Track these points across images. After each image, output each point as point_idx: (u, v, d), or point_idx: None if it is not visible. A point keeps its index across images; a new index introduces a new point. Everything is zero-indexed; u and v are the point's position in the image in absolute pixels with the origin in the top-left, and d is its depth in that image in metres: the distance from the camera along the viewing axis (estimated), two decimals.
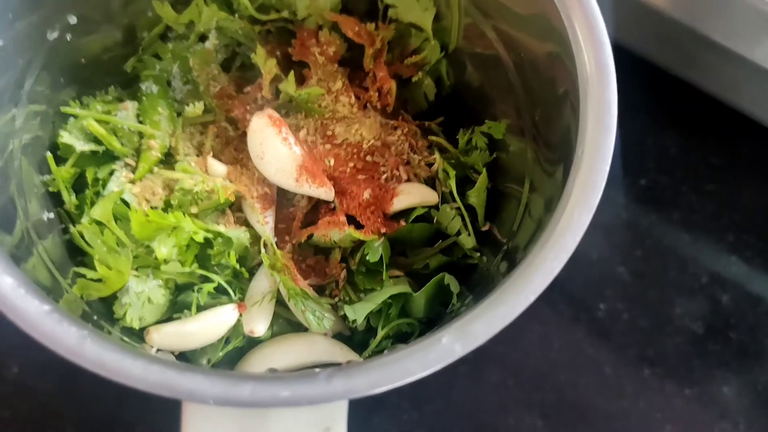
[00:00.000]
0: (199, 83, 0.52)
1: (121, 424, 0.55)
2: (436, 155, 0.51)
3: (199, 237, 0.45)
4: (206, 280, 0.46)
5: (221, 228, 0.46)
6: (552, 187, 0.41)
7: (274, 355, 0.46)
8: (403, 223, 0.49)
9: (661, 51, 0.65)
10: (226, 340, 0.47)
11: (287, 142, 0.47)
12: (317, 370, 0.34)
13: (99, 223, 0.45)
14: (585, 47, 0.39)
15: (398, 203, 0.49)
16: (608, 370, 0.59)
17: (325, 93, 0.51)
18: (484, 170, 0.50)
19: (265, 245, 0.47)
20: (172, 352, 0.46)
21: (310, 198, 0.49)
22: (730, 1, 0.56)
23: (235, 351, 0.47)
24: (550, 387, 0.58)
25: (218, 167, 0.48)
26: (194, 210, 0.47)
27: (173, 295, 0.47)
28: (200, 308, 0.46)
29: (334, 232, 0.47)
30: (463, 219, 0.49)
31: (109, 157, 0.49)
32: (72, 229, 0.47)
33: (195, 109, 0.50)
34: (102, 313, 0.45)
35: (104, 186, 0.48)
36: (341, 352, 0.46)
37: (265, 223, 0.48)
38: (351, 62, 0.54)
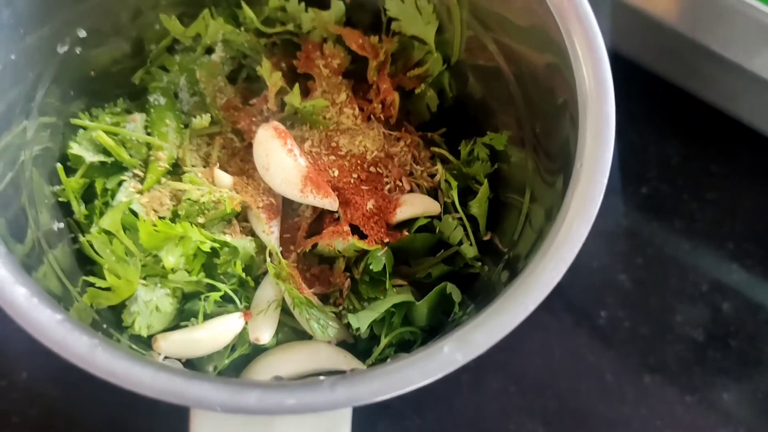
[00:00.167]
0: (205, 95, 0.53)
1: (129, 430, 0.55)
2: (439, 166, 0.52)
3: (206, 246, 0.46)
4: (213, 288, 0.47)
5: (227, 238, 0.47)
6: (552, 196, 0.42)
7: (279, 363, 0.47)
8: (405, 233, 0.49)
9: (662, 61, 0.66)
10: (232, 347, 0.47)
11: (292, 154, 0.48)
12: (321, 378, 0.34)
13: (108, 233, 0.46)
14: (584, 62, 0.40)
15: (401, 213, 0.49)
16: (609, 377, 0.59)
17: (329, 105, 0.52)
18: (486, 181, 0.50)
19: (271, 254, 0.48)
20: (180, 360, 0.46)
21: (314, 208, 0.50)
22: (729, 11, 0.56)
23: (240, 358, 0.47)
24: (551, 394, 0.58)
25: (224, 178, 0.49)
26: (201, 220, 0.47)
27: (180, 304, 0.47)
28: (207, 316, 0.46)
29: (338, 241, 0.47)
30: (465, 229, 0.49)
31: (117, 168, 0.50)
32: (81, 238, 0.48)
33: (202, 120, 0.51)
34: (111, 321, 0.46)
35: (113, 196, 0.49)
36: (345, 360, 0.47)
37: (270, 232, 0.48)
38: (355, 74, 0.54)
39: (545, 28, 0.42)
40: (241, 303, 0.47)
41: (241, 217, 0.49)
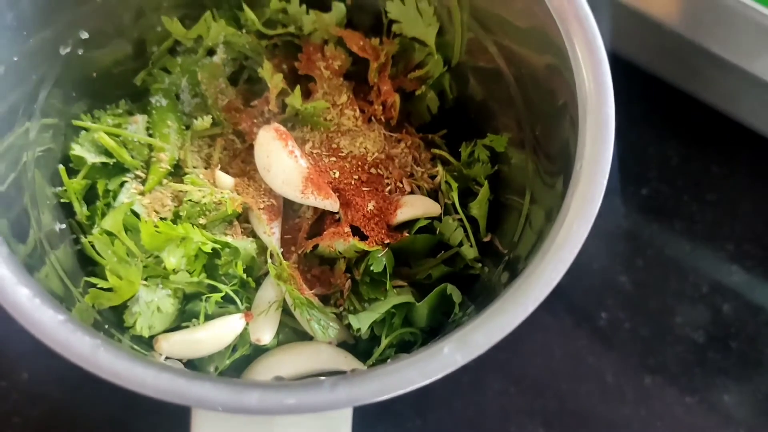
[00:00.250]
0: (207, 97, 0.53)
1: (130, 430, 0.55)
2: (439, 168, 0.52)
3: (207, 247, 0.46)
4: (214, 289, 0.47)
5: (229, 239, 0.47)
6: (552, 198, 0.42)
7: (280, 363, 0.47)
8: (406, 234, 0.49)
9: (662, 62, 0.66)
10: (233, 348, 0.47)
11: (293, 155, 0.48)
12: (322, 378, 0.35)
13: (110, 234, 0.46)
14: (584, 64, 0.40)
15: (402, 215, 0.49)
16: (610, 378, 0.59)
17: (330, 106, 0.52)
18: (486, 182, 0.50)
19: (272, 255, 0.48)
20: (181, 360, 0.47)
21: (315, 209, 0.50)
22: (729, 13, 0.56)
23: (241, 359, 0.48)
24: (551, 395, 0.58)
25: (226, 179, 0.49)
26: (202, 221, 0.47)
27: (182, 304, 0.47)
28: (208, 317, 0.46)
29: (338, 242, 0.47)
30: (465, 230, 0.49)
31: (119, 169, 0.50)
32: (83, 239, 0.48)
33: (203, 122, 0.51)
34: (112, 321, 0.46)
35: (115, 197, 0.49)
36: (345, 361, 0.47)
37: (271, 233, 0.49)
38: (356, 76, 0.54)
39: (545, 30, 0.42)
40: (242, 304, 0.48)
41: (243, 218, 0.50)
